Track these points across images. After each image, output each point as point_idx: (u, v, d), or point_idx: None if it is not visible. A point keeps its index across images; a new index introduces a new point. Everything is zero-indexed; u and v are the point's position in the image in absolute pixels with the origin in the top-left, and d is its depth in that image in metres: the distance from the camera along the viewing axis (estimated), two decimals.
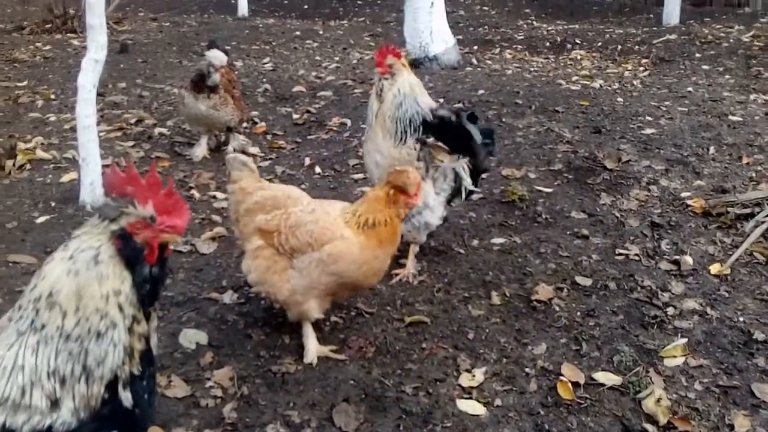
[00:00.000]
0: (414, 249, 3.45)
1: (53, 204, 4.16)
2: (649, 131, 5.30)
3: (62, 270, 1.47)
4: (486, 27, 10.98)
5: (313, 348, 2.76)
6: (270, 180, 4.60)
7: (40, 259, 3.47)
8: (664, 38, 9.28)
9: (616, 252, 3.62)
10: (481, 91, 6.24)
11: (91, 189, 4.03)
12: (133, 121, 5.76)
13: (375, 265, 2.63)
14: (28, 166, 4.82)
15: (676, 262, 3.51)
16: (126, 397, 1.51)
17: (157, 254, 1.55)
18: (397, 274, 3.36)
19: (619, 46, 9.13)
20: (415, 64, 7.66)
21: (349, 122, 5.71)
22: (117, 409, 1.51)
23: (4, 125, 5.81)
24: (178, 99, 5.05)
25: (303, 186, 4.53)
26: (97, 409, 1.48)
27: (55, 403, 1.43)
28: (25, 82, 7.23)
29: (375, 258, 2.61)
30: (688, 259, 3.52)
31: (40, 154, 5.01)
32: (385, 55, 3.28)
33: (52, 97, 6.69)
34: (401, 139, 3.21)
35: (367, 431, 2.40)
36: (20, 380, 1.43)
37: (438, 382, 2.66)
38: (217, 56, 4.75)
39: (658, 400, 2.52)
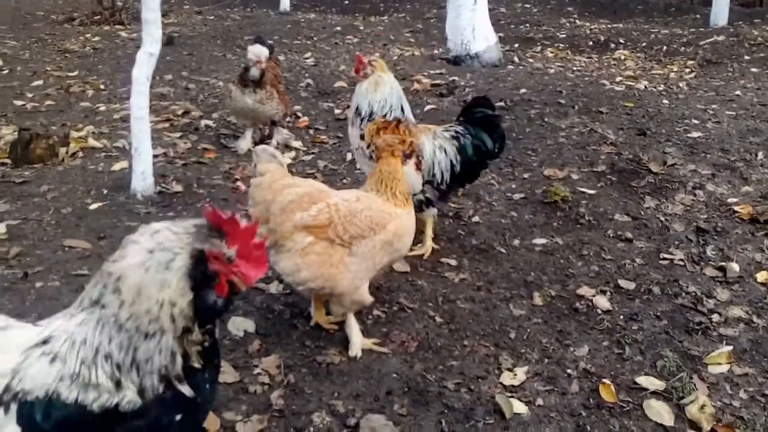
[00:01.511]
0: (430, 224, 3.67)
1: (105, 191, 4.30)
2: (695, 135, 5.22)
3: (139, 260, 1.50)
4: (527, 25, 10.90)
5: (358, 340, 2.81)
6: (313, 174, 4.69)
7: (94, 245, 3.60)
8: (711, 39, 9.09)
9: (661, 256, 3.60)
10: (523, 90, 6.21)
11: (143, 178, 4.15)
12: (179, 112, 5.90)
13: (414, 229, 2.91)
14: (80, 154, 4.98)
15: (722, 269, 3.47)
16: (186, 389, 1.55)
17: (227, 289, 1.57)
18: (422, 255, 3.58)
19: (665, 47, 8.98)
20: (455, 62, 7.67)
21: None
22: (178, 396, 1.56)
23: (57, 114, 6.02)
24: (225, 92, 5.14)
25: (345, 180, 4.60)
26: (160, 393, 1.53)
27: (118, 384, 1.50)
28: (75, 72, 7.45)
29: (414, 221, 2.90)
30: (735, 266, 3.48)
31: (91, 142, 5.18)
32: (362, 62, 3.79)
33: (102, 87, 6.88)
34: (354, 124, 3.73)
35: (410, 424, 2.44)
36: (86, 357, 1.50)
37: (480, 380, 2.69)
38: (253, 50, 4.86)
39: (702, 406, 2.51)
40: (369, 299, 2.80)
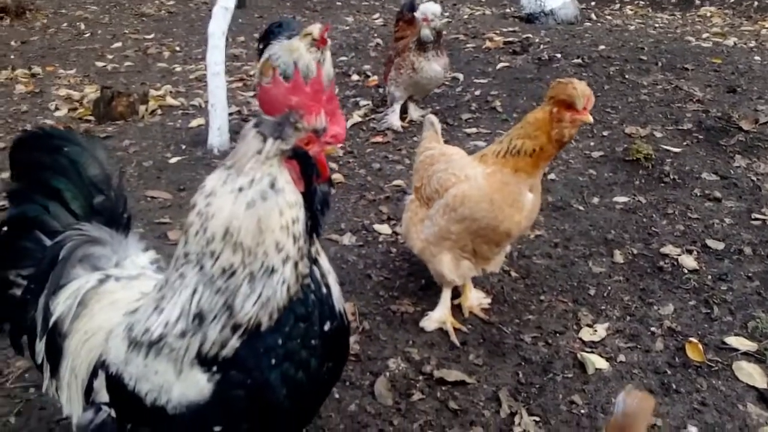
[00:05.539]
0: None
1: (183, 146, 4.41)
2: None
3: (241, 203, 1.28)
4: None
5: (438, 316, 2.66)
6: (383, 132, 4.66)
7: (174, 195, 3.72)
8: None
9: (752, 216, 3.39)
10: (601, 47, 5.93)
11: (219, 133, 4.23)
12: (252, 73, 5.96)
13: (506, 198, 2.31)
14: (159, 112, 5.13)
15: None
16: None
17: (327, 168, 1.37)
18: None
19: (756, 2, 8.39)
20: (529, 19, 7.41)
21: (461, 77, 5.62)
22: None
23: (135, 74, 6.21)
24: (405, 66, 4.47)
25: (415, 138, 4.54)
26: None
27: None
28: (152, 35, 7.66)
29: (504, 186, 2.30)
30: None
31: (169, 100, 5.32)
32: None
33: (177, 49, 7.05)
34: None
35: (486, 374, 2.42)
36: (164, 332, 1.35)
37: (558, 334, 2.63)
38: (424, 8, 4.36)
39: None
40: (450, 277, 2.55)
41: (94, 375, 1.50)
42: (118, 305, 1.55)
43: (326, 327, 1.39)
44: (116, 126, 4.85)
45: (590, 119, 2.22)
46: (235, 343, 1.31)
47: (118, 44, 7.28)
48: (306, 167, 1.33)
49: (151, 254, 1.75)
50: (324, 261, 1.45)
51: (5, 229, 1.68)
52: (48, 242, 1.66)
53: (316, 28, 4.11)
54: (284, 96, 1.37)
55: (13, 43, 7.54)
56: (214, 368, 1.31)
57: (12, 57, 6.95)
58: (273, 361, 1.32)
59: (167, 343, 1.33)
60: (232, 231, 1.28)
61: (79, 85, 5.92)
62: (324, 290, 1.41)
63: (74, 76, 6.25)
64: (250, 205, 1.28)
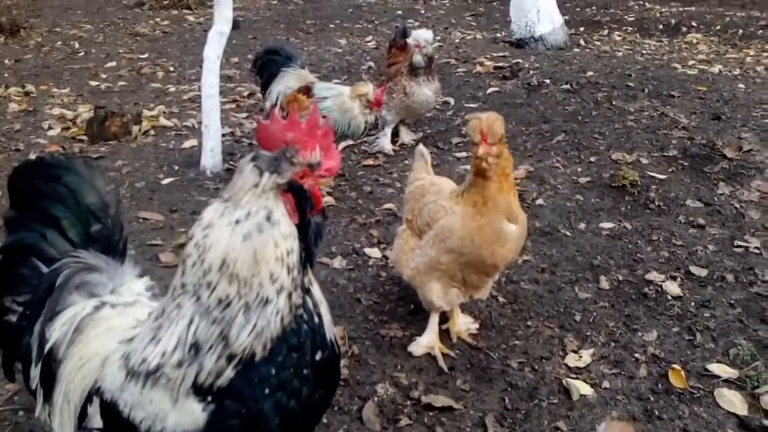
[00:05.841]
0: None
1: (176, 167, 4.45)
2: None
3: (237, 236, 1.32)
4: (594, 7, 10.58)
5: (426, 342, 2.70)
6: (375, 155, 4.72)
7: (166, 217, 3.75)
8: None
9: (735, 244, 3.46)
10: (590, 73, 6.05)
11: (212, 155, 4.27)
12: (245, 94, 6.04)
13: (487, 236, 2.38)
14: (152, 132, 5.18)
15: None
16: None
17: (321, 199, 1.43)
18: None
19: (741, 30, 8.57)
20: (519, 45, 7.54)
21: (452, 101, 5.71)
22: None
23: (129, 94, 6.26)
24: (397, 90, 4.60)
25: (406, 162, 4.60)
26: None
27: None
28: (146, 55, 7.72)
29: (480, 228, 2.38)
30: None
31: (162, 121, 5.37)
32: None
33: (171, 69, 7.11)
34: None
35: (473, 399, 2.45)
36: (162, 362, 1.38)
37: (544, 360, 2.67)
38: (416, 34, 4.49)
39: None
40: (438, 303, 2.61)
41: (88, 401, 1.52)
42: (114, 332, 1.57)
43: (318, 356, 1.43)
44: (109, 146, 4.89)
45: (480, 152, 2.30)
46: (230, 373, 1.34)
47: (112, 63, 7.33)
48: (301, 200, 1.38)
49: (146, 281, 1.78)
50: (316, 290, 1.49)
51: (2, 255, 1.70)
52: (45, 269, 1.68)
53: (370, 89, 4.02)
54: (281, 132, 1.42)
55: (6, 61, 7.58)
56: (209, 398, 1.34)
57: (6, 75, 6.98)
58: (267, 390, 1.35)
59: (164, 373, 1.36)
60: (228, 262, 1.32)
61: (72, 105, 5.96)
62: (316, 320, 1.44)
63: (68, 95, 6.28)
64: (247, 237, 1.32)
